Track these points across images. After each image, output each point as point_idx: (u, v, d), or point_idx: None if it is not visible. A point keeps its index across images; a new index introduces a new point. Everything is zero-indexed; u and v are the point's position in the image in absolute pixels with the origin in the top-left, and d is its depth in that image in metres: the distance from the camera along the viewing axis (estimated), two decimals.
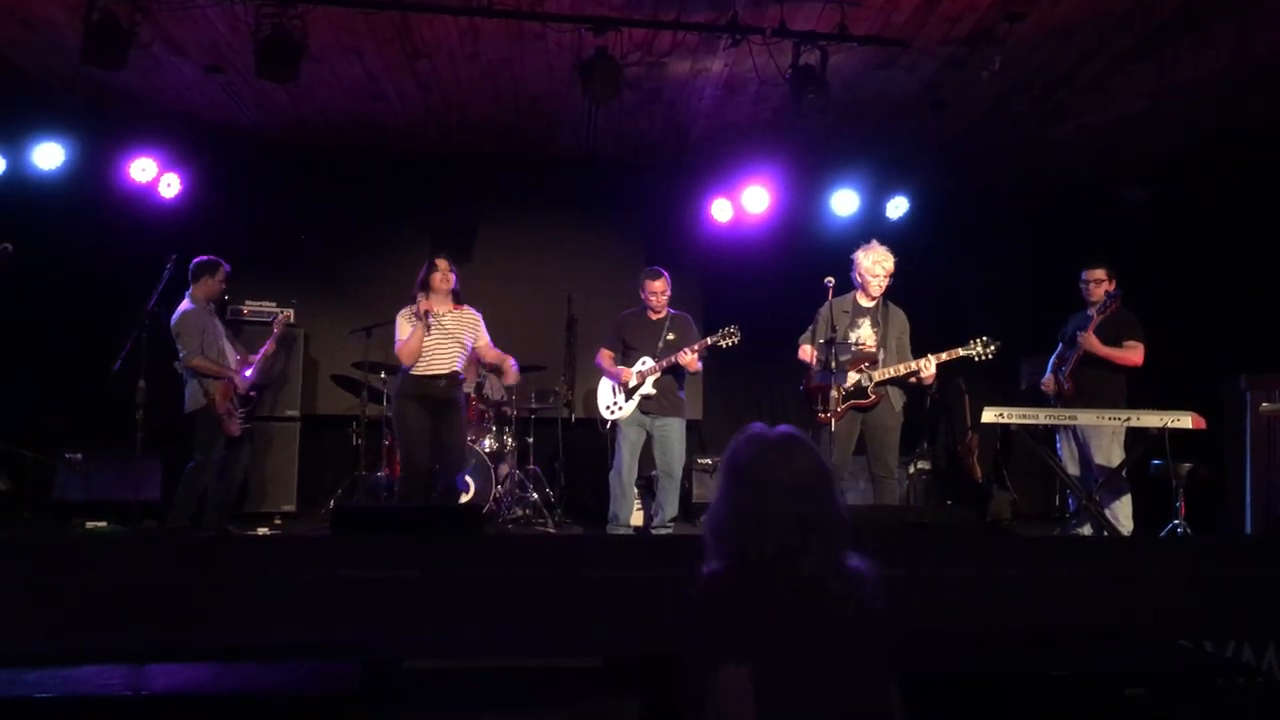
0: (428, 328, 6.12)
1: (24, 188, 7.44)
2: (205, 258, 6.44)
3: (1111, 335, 6.04)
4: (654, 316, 6.59)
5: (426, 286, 6.20)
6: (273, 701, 2.85)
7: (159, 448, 6.70)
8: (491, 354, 6.45)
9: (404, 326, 6.18)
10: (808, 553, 2.07)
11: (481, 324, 6.41)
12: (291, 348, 7.68)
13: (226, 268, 6.48)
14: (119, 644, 3.43)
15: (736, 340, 6.36)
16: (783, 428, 2.22)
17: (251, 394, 6.51)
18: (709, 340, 6.36)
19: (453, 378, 6.23)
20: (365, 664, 2.96)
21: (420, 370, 6.14)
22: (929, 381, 5.82)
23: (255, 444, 7.40)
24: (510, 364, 6.40)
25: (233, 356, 6.49)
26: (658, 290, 6.51)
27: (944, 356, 5.76)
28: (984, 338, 5.78)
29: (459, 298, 6.34)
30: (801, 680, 2.04)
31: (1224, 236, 8.09)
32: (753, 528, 2.09)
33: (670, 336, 6.50)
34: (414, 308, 6.16)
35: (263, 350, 6.66)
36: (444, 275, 6.20)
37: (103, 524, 6.97)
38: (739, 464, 2.17)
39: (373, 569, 3.94)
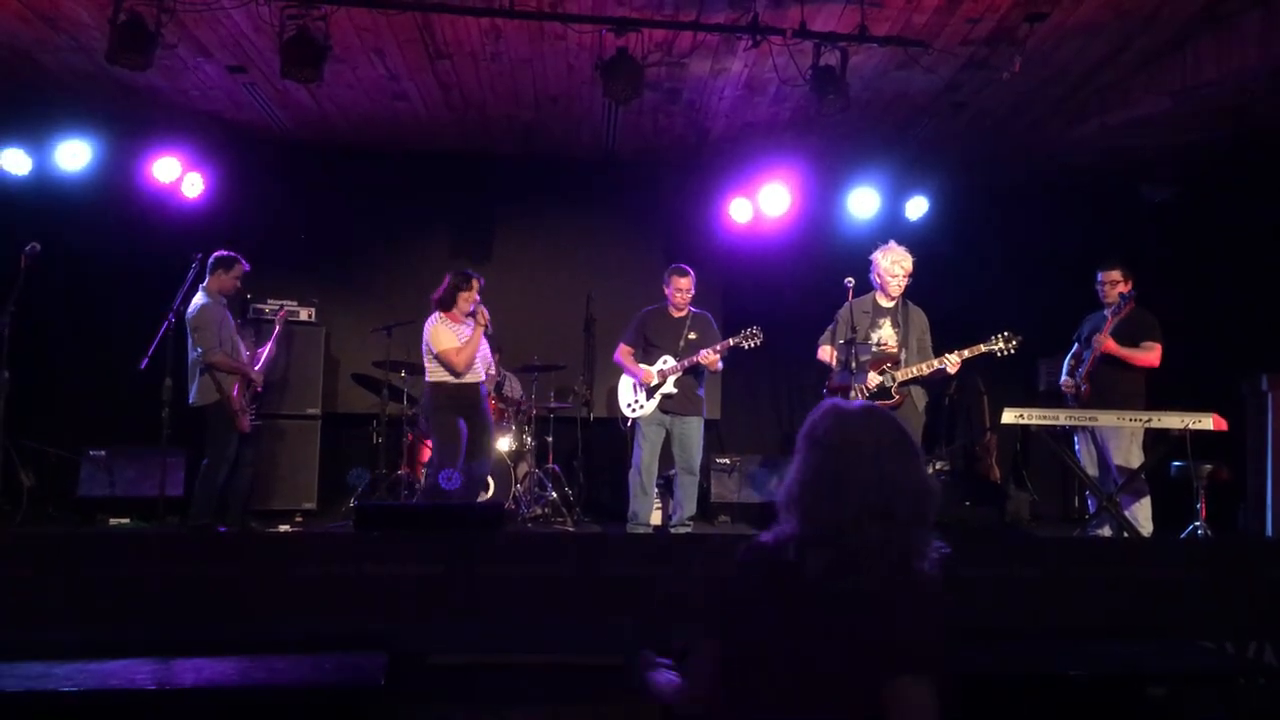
0: (488, 337, 6.26)
1: (50, 187, 7.52)
2: (223, 253, 6.44)
3: (1128, 336, 6.01)
4: (676, 314, 6.58)
5: (454, 301, 6.25)
6: (298, 694, 2.88)
7: (183, 445, 6.76)
8: None
9: (448, 335, 6.21)
10: (891, 519, 1.98)
11: None
12: (291, 342, 7.62)
13: (245, 266, 6.47)
14: (146, 638, 3.46)
15: (759, 341, 6.36)
16: (860, 401, 2.19)
17: (259, 389, 6.55)
18: (731, 341, 6.36)
19: (486, 384, 6.38)
20: (390, 658, 2.98)
21: (464, 379, 6.23)
22: (954, 371, 5.84)
23: (277, 442, 7.46)
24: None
25: (243, 352, 6.54)
26: (684, 288, 6.51)
27: (968, 353, 5.77)
28: (1005, 333, 5.77)
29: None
30: (782, 674, 2.00)
31: (1246, 235, 8.02)
32: (831, 492, 2.01)
33: (692, 335, 6.51)
34: (440, 314, 6.24)
35: (266, 354, 6.68)
36: (469, 296, 6.27)
37: (125, 520, 7.04)
38: (818, 432, 2.10)
39: (395, 566, 3.97)
